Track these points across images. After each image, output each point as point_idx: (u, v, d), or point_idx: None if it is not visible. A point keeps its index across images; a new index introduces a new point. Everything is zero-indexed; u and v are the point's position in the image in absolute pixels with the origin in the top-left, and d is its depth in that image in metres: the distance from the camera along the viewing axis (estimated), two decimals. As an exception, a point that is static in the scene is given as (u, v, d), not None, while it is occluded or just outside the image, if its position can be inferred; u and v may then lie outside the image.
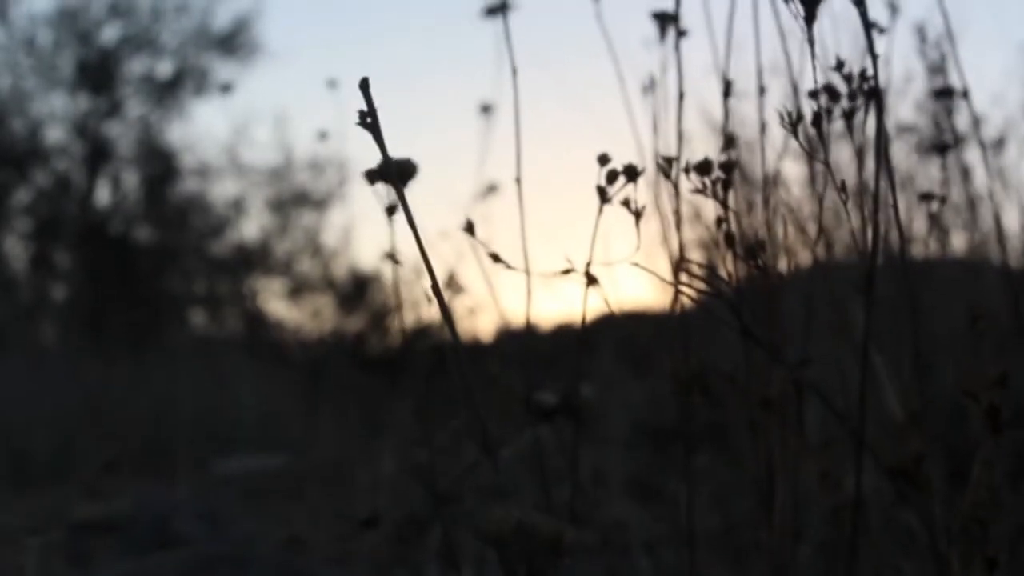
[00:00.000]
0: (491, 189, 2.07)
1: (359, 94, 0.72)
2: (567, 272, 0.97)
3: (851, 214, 1.09)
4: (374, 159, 0.90)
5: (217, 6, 9.46)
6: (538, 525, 0.50)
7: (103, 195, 8.70)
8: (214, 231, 8.64)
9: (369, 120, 0.66)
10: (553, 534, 0.51)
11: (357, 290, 7.28)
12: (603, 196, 0.98)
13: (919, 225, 2.12)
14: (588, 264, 0.95)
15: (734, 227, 1.02)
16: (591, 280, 0.97)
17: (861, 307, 1.36)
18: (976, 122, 1.12)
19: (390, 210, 0.86)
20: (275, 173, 8.51)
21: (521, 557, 0.49)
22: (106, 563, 1.86)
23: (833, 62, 0.99)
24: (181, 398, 3.85)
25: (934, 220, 1.02)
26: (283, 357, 5.88)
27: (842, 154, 1.54)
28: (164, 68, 9.03)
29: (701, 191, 0.95)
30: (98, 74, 8.56)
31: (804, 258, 1.65)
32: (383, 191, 0.90)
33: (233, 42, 8.96)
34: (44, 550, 1.70)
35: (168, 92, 8.80)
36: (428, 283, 0.74)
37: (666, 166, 1.00)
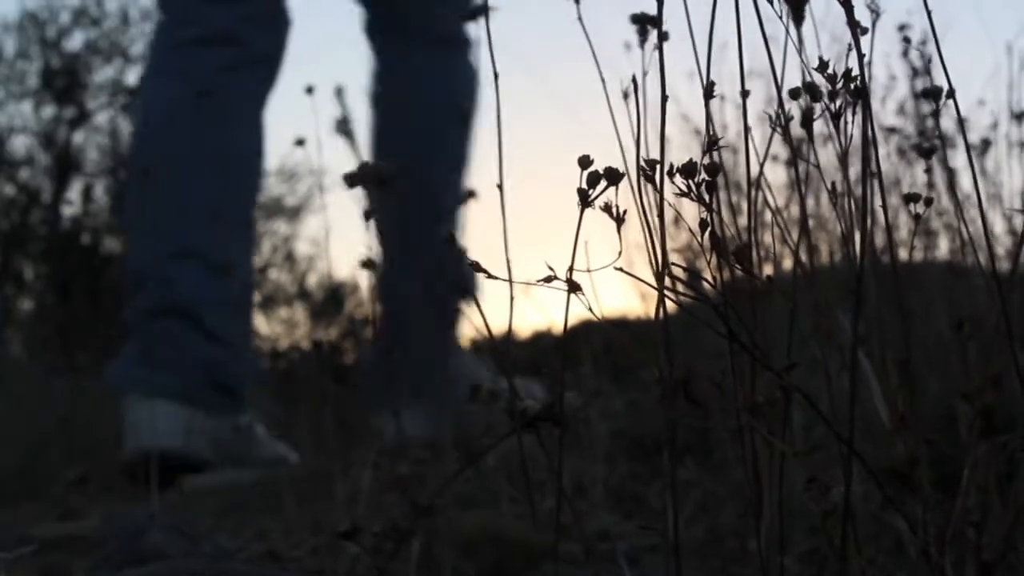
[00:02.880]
0: (470, 195, 2.05)
1: (333, 100, 0.70)
2: (549, 279, 0.95)
3: (838, 215, 1.07)
4: (352, 165, 0.87)
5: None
6: (509, 531, 0.48)
7: (72, 205, 8.65)
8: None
9: (344, 126, 0.64)
10: (524, 540, 0.48)
11: (332, 300, 7.25)
12: (584, 199, 0.96)
13: (903, 229, 2.12)
14: (570, 270, 0.93)
15: (718, 231, 1.00)
16: (573, 287, 0.95)
17: (846, 312, 1.35)
18: (961, 123, 1.10)
19: (368, 215, 0.84)
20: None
21: (492, 563, 0.47)
22: (78, 580, 1.83)
23: (814, 64, 0.98)
24: (153, 411, 3.81)
25: (919, 221, 1.01)
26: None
27: (825, 158, 1.53)
28: (133, 75, 8.98)
29: (685, 194, 0.94)
30: (65, 82, 8.51)
31: (788, 263, 1.63)
32: (361, 196, 0.88)
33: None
34: (13, 567, 1.66)
35: (137, 100, 8.75)
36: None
37: (649, 169, 0.98)
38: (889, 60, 2.40)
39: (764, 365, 0.93)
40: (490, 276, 0.92)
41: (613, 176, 0.92)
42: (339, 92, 0.60)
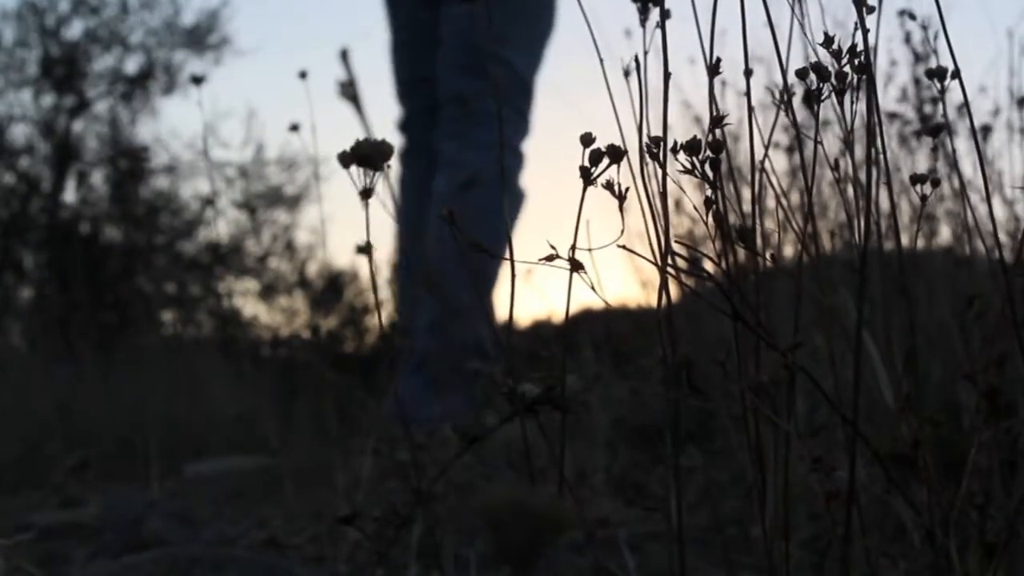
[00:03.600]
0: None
1: (331, 87, 0.69)
2: (550, 258, 0.94)
3: (840, 193, 1.06)
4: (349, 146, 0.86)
5: (185, 1, 9.42)
6: (537, 503, 0.47)
7: (71, 194, 8.63)
8: (185, 230, 8.59)
9: (350, 90, 0.63)
10: (552, 512, 0.48)
11: (332, 288, 7.25)
12: (587, 177, 0.95)
13: (905, 216, 2.11)
14: (572, 248, 0.92)
15: (721, 209, 0.99)
16: (575, 265, 0.94)
17: (851, 294, 1.34)
18: (967, 104, 1.10)
19: (365, 193, 0.83)
20: (247, 170, 8.47)
21: (518, 536, 0.46)
22: (78, 566, 1.82)
23: (818, 46, 0.97)
24: (153, 400, 3.81)
25: (925, 201, 1.00)
26: (257, 357, 5.84)
27: (827, 144, 1.52)
28: (132, 64, 8.96)
29: (689, 171, 0.93)
30: (64, 71, 8.49)
31: (791, 249, 1.63)
32: (358, 177, 0.87)
33: (202, 37, 8.91)
34: (13, 554, 1.66)
35: (136, 89, 8.74)
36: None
37: (653, 146, 0.97)
38: (891, 45, 2.39)
39: (769, 344, 0.92)
40: (492, 255, 0.91)
41: (616, 154, 0.92)
42: (344, 55, 0.58)
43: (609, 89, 1.15)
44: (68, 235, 8.19)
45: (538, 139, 3.58)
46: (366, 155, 0.83)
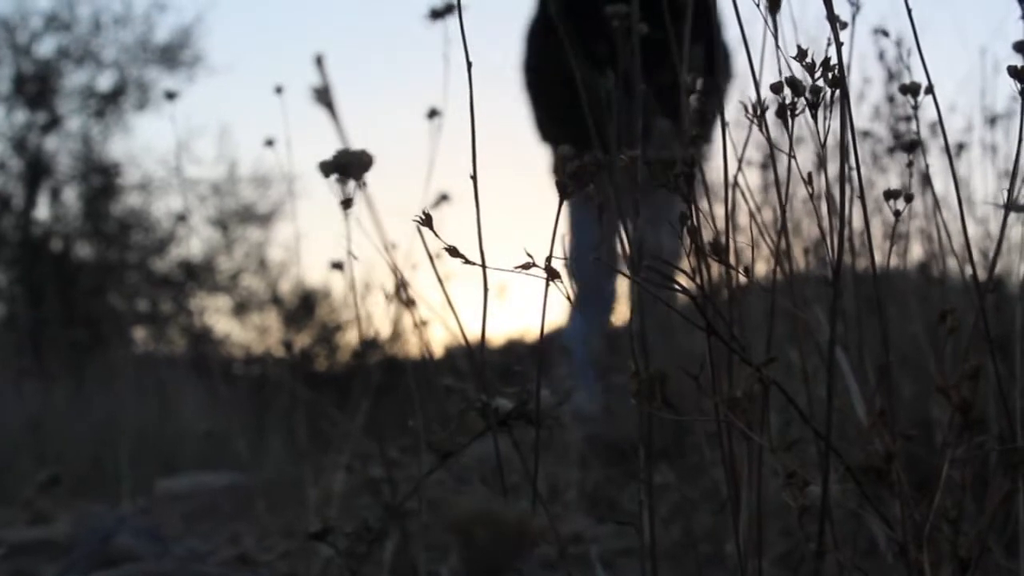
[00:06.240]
0: (443, 198, 2.04)
1: (303, 101, 0.69)
2: (527, 266, 0.94)
3: (814, 207, 1.07)
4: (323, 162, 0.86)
5: (158, 18, 9.41)
6: (503, 513, 0.47)
7: (43, 210, 8.59)
8: (157, 247, 8.56)
9: (325, 96, 0.62)
10: (518, 522, 0.47)
11: (304, 306, 7.24)
12: (563, 192, 0.95)
13: (879, 233, 2.12)
14: (548, 259, 0.92)
15: (695, 228, 0.99)
16: (551, 274, 0.94)
17: (824, 310, 1.34)
18: (941, 122, 1.10)
19: (345, 203, 0.83)
20: (219, 188, 8.45)
21: (487, 548, 0.46)
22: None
23: (792, 63, 0.98)
24: (124, 417, 3.79)
25: (898, 217, 1.00)
26: (229, 374, 5.81)
27: (802, 158, 1.52)
28: (105, 81, 8.94)
29: (664, 184, 0.93)
30: (37, 87, 8.45)
31: (764, 265, 1.63)
32: (336, 189, 0.86)
33: (175, 54, 8.90)
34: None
35: (109, 105, 8.71)
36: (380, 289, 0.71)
37: (630, 162, 0.97)
38: (864, 63, 2.40)
39: (742, 359, 0.92)
40: (467, 261, 0.91)
41: (595, 166, 0.92)
42: (319, 60, 0.57)
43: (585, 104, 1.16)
44: (40, 252, 8.14)
45: (524, 147, 3.61)
46: (345, 164, 0.82)
